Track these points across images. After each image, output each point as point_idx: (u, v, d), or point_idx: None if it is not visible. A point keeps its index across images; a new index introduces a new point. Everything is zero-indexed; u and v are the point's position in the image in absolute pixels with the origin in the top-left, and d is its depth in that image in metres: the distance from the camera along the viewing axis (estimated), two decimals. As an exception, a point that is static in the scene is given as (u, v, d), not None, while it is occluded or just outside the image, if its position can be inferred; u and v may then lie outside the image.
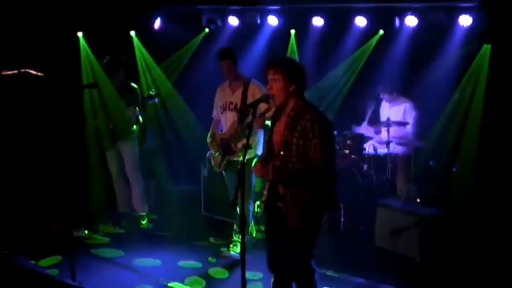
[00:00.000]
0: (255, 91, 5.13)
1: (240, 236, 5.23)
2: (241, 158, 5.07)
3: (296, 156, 3.62)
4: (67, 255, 4.81)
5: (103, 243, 5.82)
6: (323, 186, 3.66)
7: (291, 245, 3.71)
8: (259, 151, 5.31)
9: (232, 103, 5.30)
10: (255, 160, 5.22)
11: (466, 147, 6.21)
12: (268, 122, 4.89)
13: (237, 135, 5.22)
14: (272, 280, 3.93)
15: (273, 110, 4.69)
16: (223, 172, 5.46)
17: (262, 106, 4.58)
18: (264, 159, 3.89)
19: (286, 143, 3.65)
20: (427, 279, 5.00)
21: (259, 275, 4.83)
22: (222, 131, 5.46)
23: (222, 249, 5.56)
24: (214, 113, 5.55)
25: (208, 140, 5.51)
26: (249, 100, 5.04)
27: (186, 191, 6.78)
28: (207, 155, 5.72)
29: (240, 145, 5.21)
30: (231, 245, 5.53)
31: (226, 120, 5.35)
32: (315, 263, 3.80)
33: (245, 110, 5.11)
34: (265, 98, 3.83)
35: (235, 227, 5.52)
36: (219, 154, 5.39)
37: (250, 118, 4.77)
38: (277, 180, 3.71)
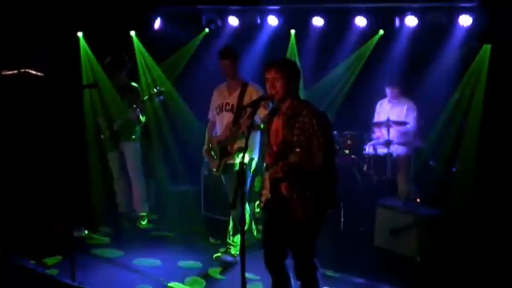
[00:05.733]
0: (253, 94, 5.01)
1: (236, 238, 5.25)
2: (237, 161, 5.03)
3: (299, 154, 3.65)
4: (66, 255, 4.81)
5: (103, 243, 5.82)
6: (325, 183, 3.68)
7: (294, 244, 3.72)
8: (256, 154, 5.20)
9: (228, 104, 5.19)
10: (254, 162, 5.20)
11: (466, 147, 6.21)
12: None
13: (232, 137, 5.08)
14: (271, 280, 3.93)
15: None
16: (222, 176, 5.30)
17: (262, 111, 4.58)
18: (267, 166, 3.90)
19: (286, 142, 3.69)
20: (427, 279, 4.99)
21: (258, 277, 4.81)
22: (216, 133, 5.33)
23: (220, 249, 5.42)
24: (210, 115, 5.44)
25: (205, 147, 5.33)
26: (246, 102, 4.91)
27: (186, 191, 6.77)
28: (205, 160, 5.53)
29: (235, 146, 5.08)
30: (228, 248, 5.33)
31: (222, 121, 5.23)
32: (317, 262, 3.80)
33: (240, 111, 4.99)
34: (266, 97, 3.85)
35: (230, 227, 5.33)
36: (217, 158, 5.24)
37: (245, 118, 4.82)
38: (286, 177, 3.68)
